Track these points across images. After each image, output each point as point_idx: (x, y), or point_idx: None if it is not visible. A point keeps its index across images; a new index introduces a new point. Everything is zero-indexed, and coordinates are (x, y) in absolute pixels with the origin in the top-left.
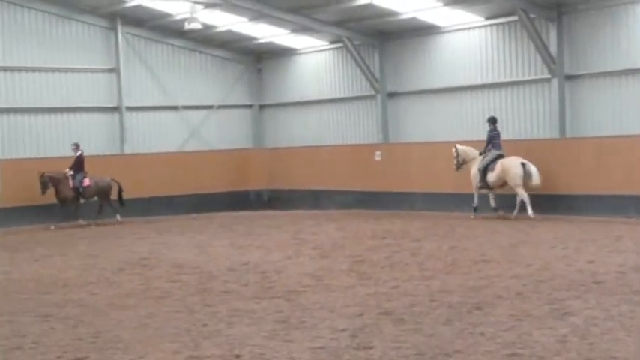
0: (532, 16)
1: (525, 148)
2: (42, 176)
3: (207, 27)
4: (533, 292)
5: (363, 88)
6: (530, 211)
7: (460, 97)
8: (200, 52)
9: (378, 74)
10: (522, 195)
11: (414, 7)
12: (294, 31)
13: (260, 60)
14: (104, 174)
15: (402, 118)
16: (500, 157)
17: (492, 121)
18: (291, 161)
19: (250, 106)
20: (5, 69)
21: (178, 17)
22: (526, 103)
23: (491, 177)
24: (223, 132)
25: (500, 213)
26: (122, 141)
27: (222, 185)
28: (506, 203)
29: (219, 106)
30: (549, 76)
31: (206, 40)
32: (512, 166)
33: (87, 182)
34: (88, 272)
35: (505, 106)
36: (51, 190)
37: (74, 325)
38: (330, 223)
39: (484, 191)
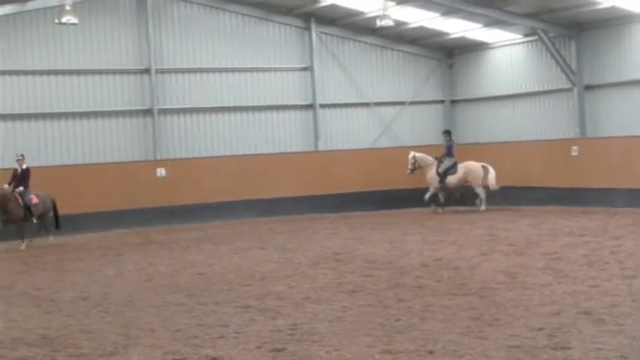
0: None
1: None
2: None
3: (398, 23)
4: None
5: (558, 81)
6: (483, 207)
7: None
8: (391, 49)
9: (574, 66)
10: (481, 192)
11: None
12: (487, 24)
13: (451, 55)
14: (301, 170)
15: (600, 111)
16: (455, 163)
17: (448, 132)
18: (483, 157)
19: (442, 101)
20: (208, 70)
21: (370, 15)
22: None
23: (453, 179)
24: (415, 128)
25: (440, 210)
26: (316, 138)
27: (413, 181)
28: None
29: (411, 103)
30: None
31: (397, 37)
32: (474, 168)
33: (35, 199)
34: (285, 266)
35: None
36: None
37: (273, 316)
38: (524, 220)
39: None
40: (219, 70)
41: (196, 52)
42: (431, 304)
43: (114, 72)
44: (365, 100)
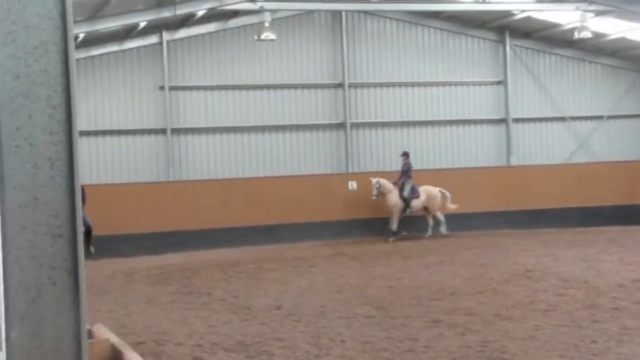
0: None
1: None
2: None
3: (597, 35)
4: None
5: None
6: (444, 229)
7: None
8: (589, 62)
9: None
10: (441, 216)
11: None
12: None
13: None
14: (493, 185)
15: None
16: (415, 186)
17: (406, 154)
18: None
19: None
20: (400, 84)
21: (567, 27)
22: None
23: (417, 203)
24: (613, 143)
25: (404, 233)
26: (508, 153)
27: (610, 198)
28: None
29: (609, 117)
30: None
31: (596, 49)
32: (434, 193)
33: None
34: (475, 281)
35: None
36: None
37: (462, 332)
38: None
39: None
40: (411, 85)
41: (389, 67)
42: (628, 326)
43: (309, 86)
44: (560, 115)
